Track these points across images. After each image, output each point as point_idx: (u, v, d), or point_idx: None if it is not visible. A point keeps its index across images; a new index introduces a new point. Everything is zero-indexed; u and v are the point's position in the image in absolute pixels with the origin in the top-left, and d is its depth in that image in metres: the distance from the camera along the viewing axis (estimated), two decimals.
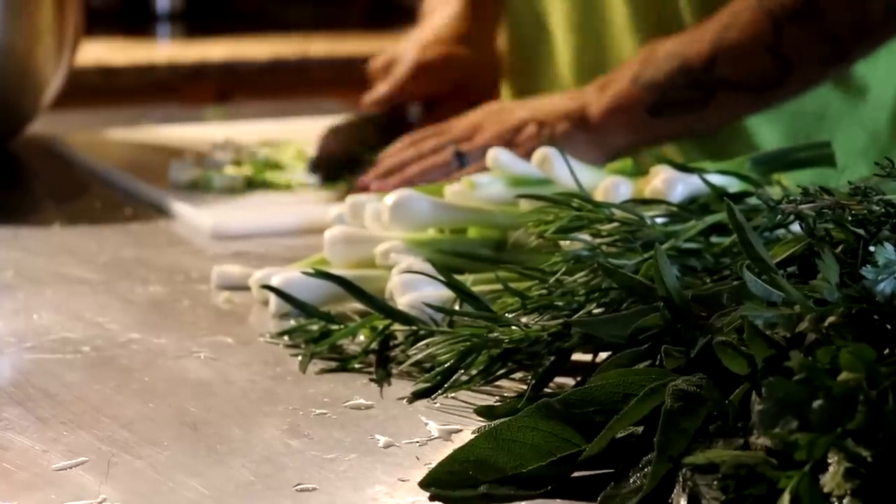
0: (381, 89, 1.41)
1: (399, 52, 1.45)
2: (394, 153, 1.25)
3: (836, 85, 1.30)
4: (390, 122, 1.38)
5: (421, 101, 1.42)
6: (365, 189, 1.21)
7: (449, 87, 1.42)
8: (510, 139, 1.19)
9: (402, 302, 0.85)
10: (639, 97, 1.20)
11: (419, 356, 0.78)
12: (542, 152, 0.96)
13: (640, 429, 0.64)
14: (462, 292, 0.81)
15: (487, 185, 0.97)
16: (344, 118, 1.38)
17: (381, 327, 0.83)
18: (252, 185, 1.30)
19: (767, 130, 1.31)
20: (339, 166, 1.28)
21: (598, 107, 1.21)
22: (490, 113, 1.25)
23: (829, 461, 0.54)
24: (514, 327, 0.75)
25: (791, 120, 1.31)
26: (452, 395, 0.77)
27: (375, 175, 1.21)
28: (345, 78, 2.62)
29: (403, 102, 1.41)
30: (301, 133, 1.50)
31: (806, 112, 1.31)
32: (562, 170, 0.94)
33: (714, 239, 0.84)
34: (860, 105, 1.32)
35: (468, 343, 0.76)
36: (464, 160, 1.19)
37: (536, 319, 0.77)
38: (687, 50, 1.19)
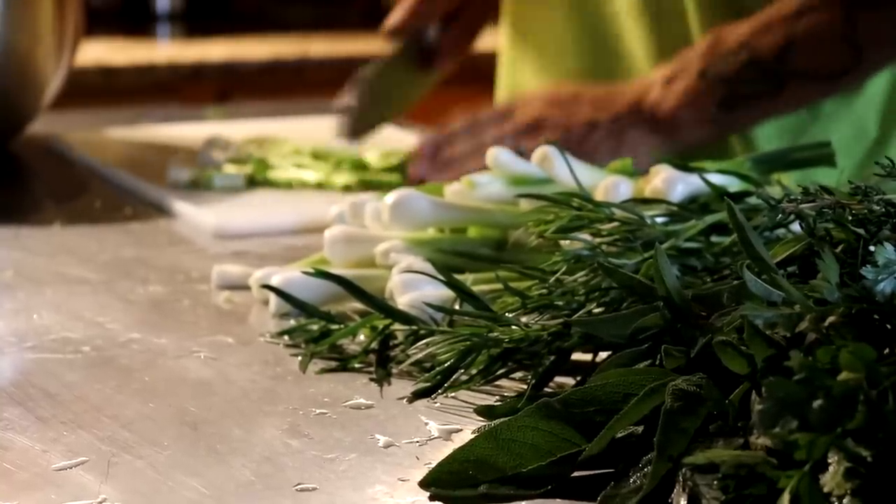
0: (396, 16, 1.40)
1: None
2: (451, 140, 1.23)
3: None
4: (411, 53, 1.37)
5: (437, 20, 1.41)
6: (420, 182, 1.20)
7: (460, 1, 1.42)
8: (577, 142, 1.18)
9: (402, 301, 0.85)
10: (709, 92, 1.18)
11: (419, 356, 0.78)
12: (542, 151, 0.96)
13: (640, 428, 0.64)
14: (462, 292, 0.81)
15: (487, 185, 0.97)
16: (366, 69, 1.37)
17: (381, 327, 0.83)
18: (253, 183, 1.30)
19: (761, 126, 1.30)
20: (367, 121, 1.27)
21: (668, 104, 1.19)
22: (554, 105, 1.23)
23: (829, 461, 0.54)
24: (514, 327, 0.75)
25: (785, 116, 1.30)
26: (452, 394, 0.77)
27: (433, 168, 1.19)
28: (344, 78, 2.61)
29: (421, 26, 1.40)
30: (299, 132, 1.50)
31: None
32: (562, 169, 0.94)
33: (714, 238, 0.84)
34: (851, 102, 1.31)
35: (468, 343, 0.76)
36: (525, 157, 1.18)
37: (536, 319, 0.77)
38: (756, 41, 1.17)
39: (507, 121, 1.22)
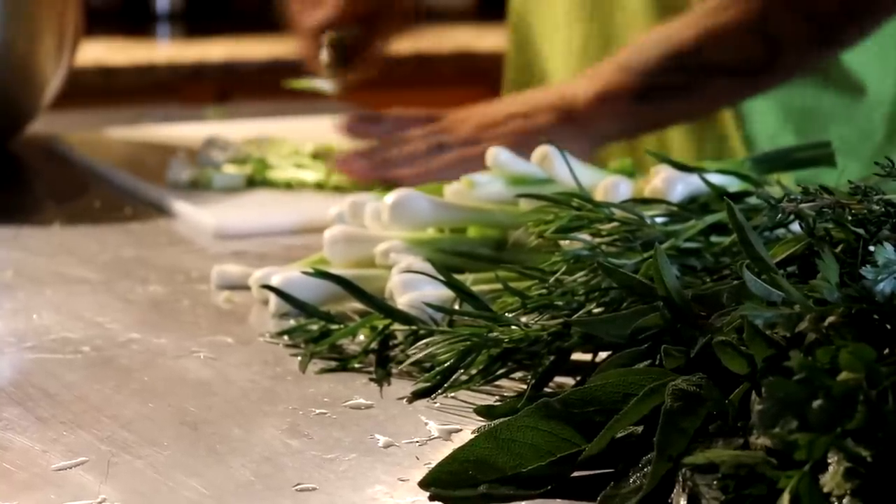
0: (318, 15, 1.42)
1: None
2: (379, 147, 1.26)
3: (832, 84, 1.30)
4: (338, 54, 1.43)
5: (357, 21, 1.44)
6: (348, 171, 1.24)
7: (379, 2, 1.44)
8: (490, 129, 1.20)
9: (402, 301, 0.85)
10: (625, 83, 1.19)
11: (419, 356, 0.78)
12: (541, 151, 0.96)
13: (640, 429, 0.64)
14: (462, 292, 0.81)
15: (487, 185, 0.97)
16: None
17: (380, 327, 0.83)
18: (253, 183, 1.30)
19: (760, 124, 1.31)
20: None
21: (585, 95, 1.20)
22: (481, 107, 1.26)
23: (829, 461, 0.54)
24: (513, 327, 0.75)
25: (785, 115, 1.30)
26: (452, 394, 0.77)
27: (366, 167, 1.22)
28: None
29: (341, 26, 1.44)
30: (299, 132, 1.50)
31: (798, 108, 1.30)
32: (562, 169, 0.94)
33: (714, 238, 0.84)
34: (854, 103, 1.31)
35: (468, 343, 0.76)
36: (444, 149, 1.20)
37: (536, 319, 0.77)
38: (675, 35, 1.18)
39: (434, 124, 1.25)
